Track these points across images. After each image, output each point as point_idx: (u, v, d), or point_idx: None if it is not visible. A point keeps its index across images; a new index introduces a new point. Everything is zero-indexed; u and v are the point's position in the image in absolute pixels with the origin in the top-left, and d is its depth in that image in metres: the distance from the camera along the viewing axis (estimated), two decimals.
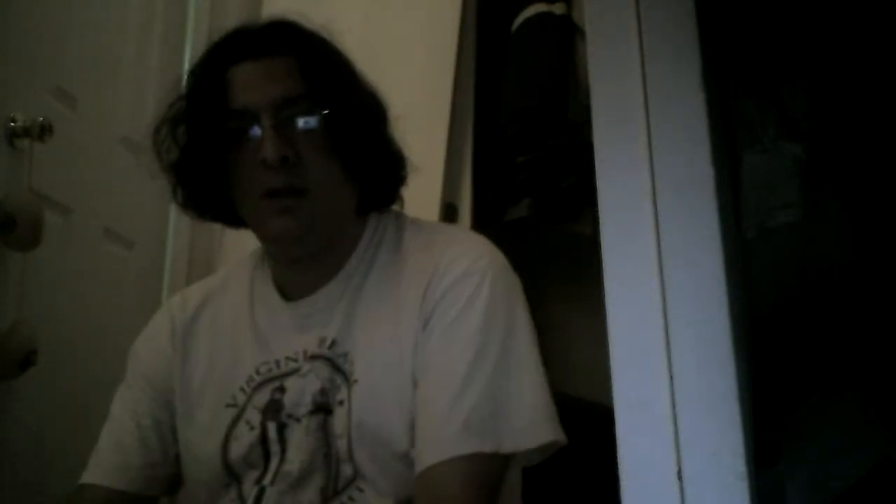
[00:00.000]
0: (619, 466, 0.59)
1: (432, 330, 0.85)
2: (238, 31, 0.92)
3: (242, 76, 0.87)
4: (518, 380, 0.83)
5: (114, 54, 1.75)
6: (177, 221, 1.96)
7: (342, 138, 0.87)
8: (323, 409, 0.86)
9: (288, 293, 0.95)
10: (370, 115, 0.93)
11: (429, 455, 0.79)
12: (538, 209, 1.73)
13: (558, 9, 1.72)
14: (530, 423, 0.81)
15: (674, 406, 0.59)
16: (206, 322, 0.98)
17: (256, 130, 0.85)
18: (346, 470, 0.84)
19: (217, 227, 2.05)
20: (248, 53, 0.88)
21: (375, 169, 0.93)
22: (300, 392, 0.88)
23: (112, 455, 0.94)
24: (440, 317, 0.85)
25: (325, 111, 0.86)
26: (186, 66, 2.01)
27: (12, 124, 1.38)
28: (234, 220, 0.95)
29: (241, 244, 0.99)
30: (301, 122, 0.85)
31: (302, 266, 0.93)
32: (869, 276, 0.76)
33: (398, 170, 0.96)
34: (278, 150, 0.83)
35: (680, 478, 0.57)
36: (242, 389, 0.91)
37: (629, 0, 0.69)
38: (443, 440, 0.79)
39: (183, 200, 0.94)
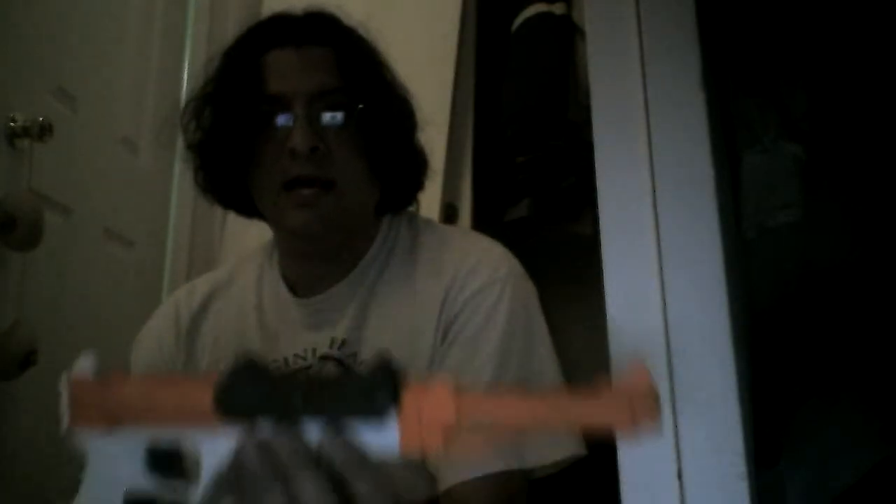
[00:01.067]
0: (619, 466, 0.59)
1: (451, 343, 0.84)
2: (278, 17, 0.90)
3: (279, 62, 0.86)
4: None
5: (114, 54, 1.74)
6: (176, 221, 1.96)
7: (372, 136, 0.86)
8: None
9: (297, 289, 0.94)
10: (402, 116, 0.92)
11: (456, 472, 0.78)
12: (538, 209, 1.73)
13: (558, 9, 1.72)
14: (553, 438, 0.80)
15: (674, 406, 0.59)
16: (212, 316, 0.97)
17: (287, 118, 0.83)
18: None
19: (217, 226, 2.05)
20: (287, 40, 0.87)
21: (400, 170, 0.92)
22: None
23: None
24: (459, 330, 0.84)
25: (359, 106, 0.85)
26: (186, 66, 2.02)
27: (12, 124, 1.37)
28: (251, 209, 0.93)
29: (242, 243, 0.99)
30: (333, 116, 0.84)
31: (315, 262, 0.92)
32: (868, 276, 0.76)
33: (420, 174, 0.96)
34: (309, 139, 0.81)
35: (680, 478, 0.57)
36: None
37: (629, 0, 0.69)
38: (470, 458, 0.78)
39: (203, 183, 0.93)
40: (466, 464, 0.78)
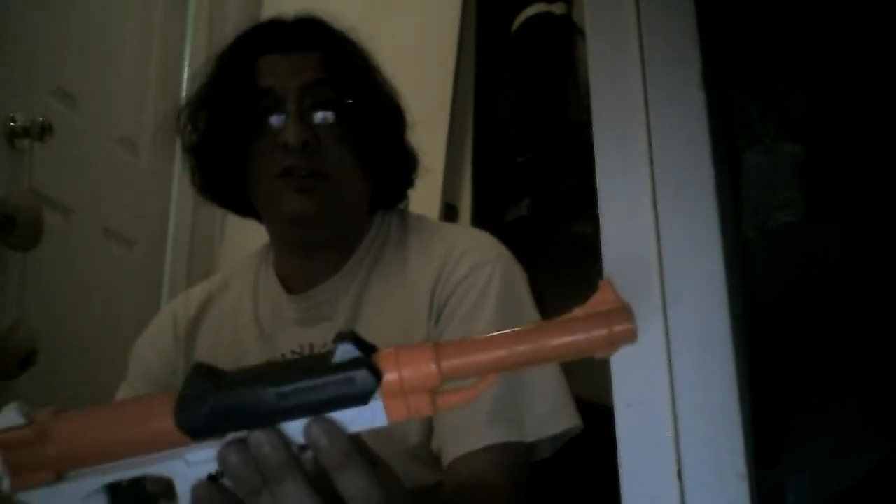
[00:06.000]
0: (619, 466, 0.59)
1: (446, 324, 0.85)
2: (269, 24, 0.93)
3: (270, 64, 0.88)
4: (534, 369, 0.84)
5: (114, 54, 1.75)
6: (177, 221, 1.96)
7: (362, 132, 0.88)
8: None
9: (292, 286, 0.95)
10: (390, 113, 0.94)
11: (458, 445, 0.79)
12: (538, 209, 1.74)
13: (558, 9, 1.72)
14: (550, 411, 0.82)
15: (674, 406, 0.59)
16: (210, 321, 0.98)
17: (279, 116, 0.86)
18: None
19: (217, 226, 2.05)
20: (277, 45, 0.89)
21: (390, 165, 0.94)
22: None
23: None
24: (453, 310, 0.85)
25: (348, 101, 0.88)
26: (186, 67, 2.02)
27: (12, 124, 1.38)
28: (247, 208, 0.95)
29: (241, 244, 0.99)
30: (323, 112, 0.87)
31: (309, 255, 0.93)
32: (869, 276, 0.76)
33: (410, 171, 0.97)
34: (301, 133, 0.84)
35: (680, 478, 0.57)
36: None
37: (629, 0, 0.69)
38: (471, 431, 0.79)
39: (200, 183, 0.95)
40: (469, 436, 0.79)
